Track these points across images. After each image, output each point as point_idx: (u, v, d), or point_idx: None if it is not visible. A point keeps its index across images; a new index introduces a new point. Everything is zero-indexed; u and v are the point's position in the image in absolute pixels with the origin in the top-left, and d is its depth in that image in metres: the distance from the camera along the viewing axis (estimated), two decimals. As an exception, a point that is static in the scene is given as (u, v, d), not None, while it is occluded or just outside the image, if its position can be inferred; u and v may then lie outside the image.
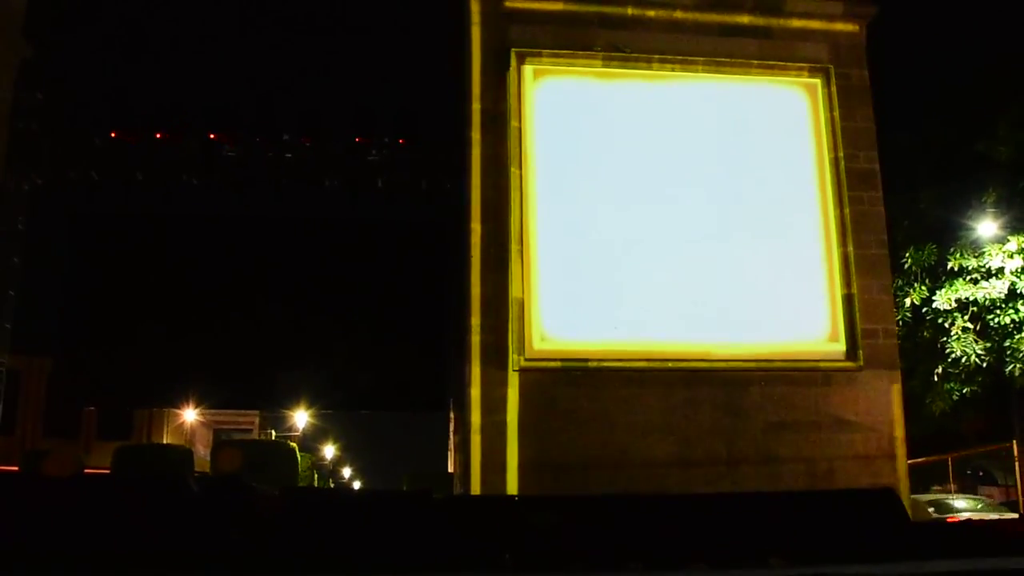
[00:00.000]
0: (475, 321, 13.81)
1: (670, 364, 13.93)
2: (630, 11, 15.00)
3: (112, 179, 21.55)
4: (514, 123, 14.29)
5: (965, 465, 24.88)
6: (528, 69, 14.60)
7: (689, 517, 8.32)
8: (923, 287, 21.87)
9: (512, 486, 13.14)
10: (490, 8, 14.78)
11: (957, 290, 21.13)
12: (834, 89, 15.24)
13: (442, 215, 18.89)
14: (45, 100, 22.45)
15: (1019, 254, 20.71)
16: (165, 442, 37.58)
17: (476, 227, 14.10)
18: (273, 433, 41.56)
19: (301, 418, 40.59)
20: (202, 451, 37.14)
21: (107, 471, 19.52)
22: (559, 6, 14.86)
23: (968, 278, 21.29)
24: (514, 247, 13.91)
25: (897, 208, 20.27)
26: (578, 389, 13.70)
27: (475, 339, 13.76)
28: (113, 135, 21.36)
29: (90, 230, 23.69)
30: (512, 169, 14.14)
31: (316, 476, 42.22)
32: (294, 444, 29.38)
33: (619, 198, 14.46)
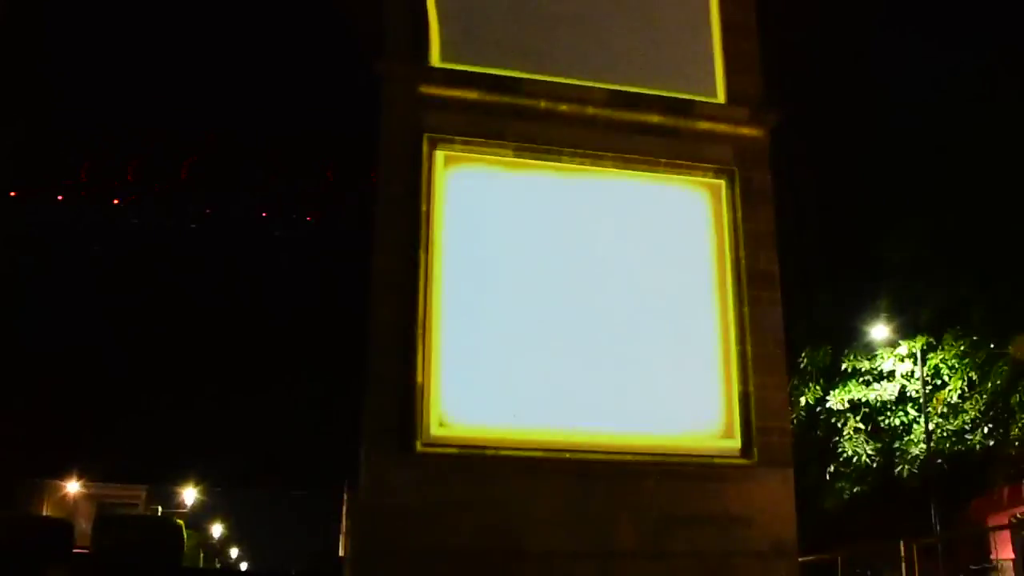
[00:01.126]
0: (373, 403, 13.63)
1: (567, 455, 13.89)
2: (543, 104, 15.24)
3: None
4: (423, 207, 14.32)
5: (855, 564, 25.21)
6: (440, 155, 14.68)
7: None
8: (817, 387, 22.42)
9: (406, 573, 12.87)
10: (404, 92, 14.88)
11: (850, 391, 21.72)
12: (737, 191, 15.64)
13: (344, 295, 18.81)
14: None
15: (909, 358, 21.40)
16: (45, 514, 36.01)
17: (379, 309, 14.01)
18: (160, 509, 40.19)
19: (190, 494, 39.38)
20: (84, 525, 35.68)
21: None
22: (473, 95, 15.02)
23: (861, 380, 21.90)
24: (417, 331, 13.82)
25: (794, 309, 20.81)
26: (475, 476, 13.55)
27: (372, 422, 13.57)
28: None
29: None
30: (420, 253, 14.13)
31: (203, 556, 40.82)
32: (181, 521, 28.45)
33: (523, 288, 14.53)
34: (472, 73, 15.14)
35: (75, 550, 16.30)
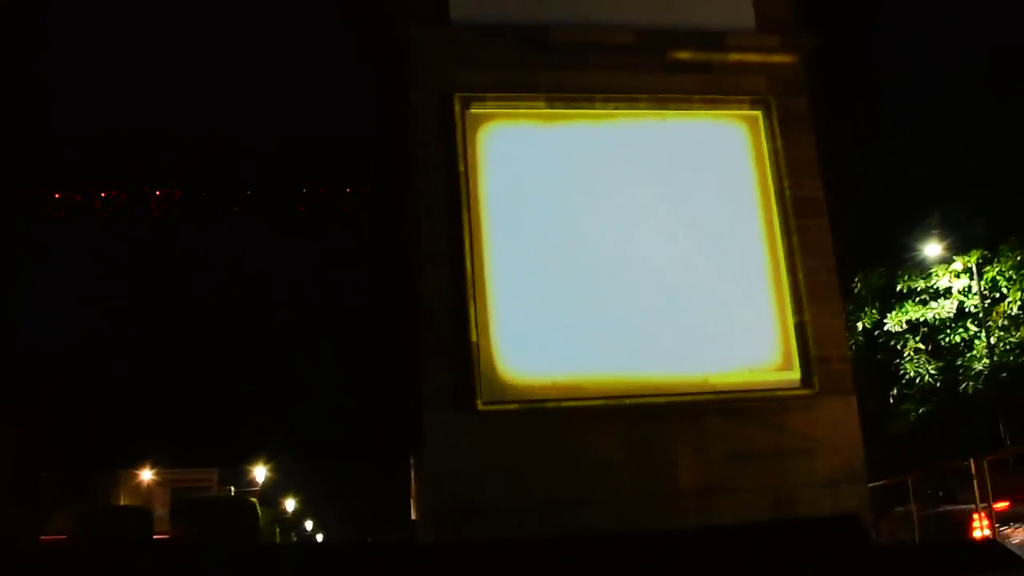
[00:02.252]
0: (430, 366, 13.72)
1: (628, 400, 13.91)
2: (573, 55, 15.06)
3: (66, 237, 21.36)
4: (460, 167, 14.30)
5: (926, 485, 25.05)
6: (472, 113, 14.63)
7: (655, 554, 8.29)
8: (874, 311, 22.16)
9: (476, 530, 13.01)
10: (431, 54, 14.82)
11: (907, 312, 21.47)
12: (775, 120, 15.41)
13: (394, 259, 18.89)
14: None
15: (965, 273, 21.09)
16: (123, 503, 36.90)
17: (428, 272, 14.05)
18: (233, 489, 40.98)
19: (260, 472, 40.06)
20: (160, 511, 36.51)
21: (64, 537, 19.10)
22: (501, 49, 14.91)
23: (917, 299, 21.63)
24: (468, 291, 13.86)
25: (845, 233, 20.55)
26: (538, 431, 13.62)
27: (432, 385, 13.66)
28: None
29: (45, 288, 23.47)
30: (462, 213, 14.13)
31: (278, 531, 41.60)
32: (254, 499, 28.98)
33: (569, 237, 14.49)
34: (497, 26, 15.01)
35: (154, 536, 16.66)
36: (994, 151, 22.86)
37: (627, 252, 14.61)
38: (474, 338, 13.70)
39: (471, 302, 13.83)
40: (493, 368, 13.77)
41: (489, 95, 14.76)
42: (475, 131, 14.61)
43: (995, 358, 20.77)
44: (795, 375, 14.51)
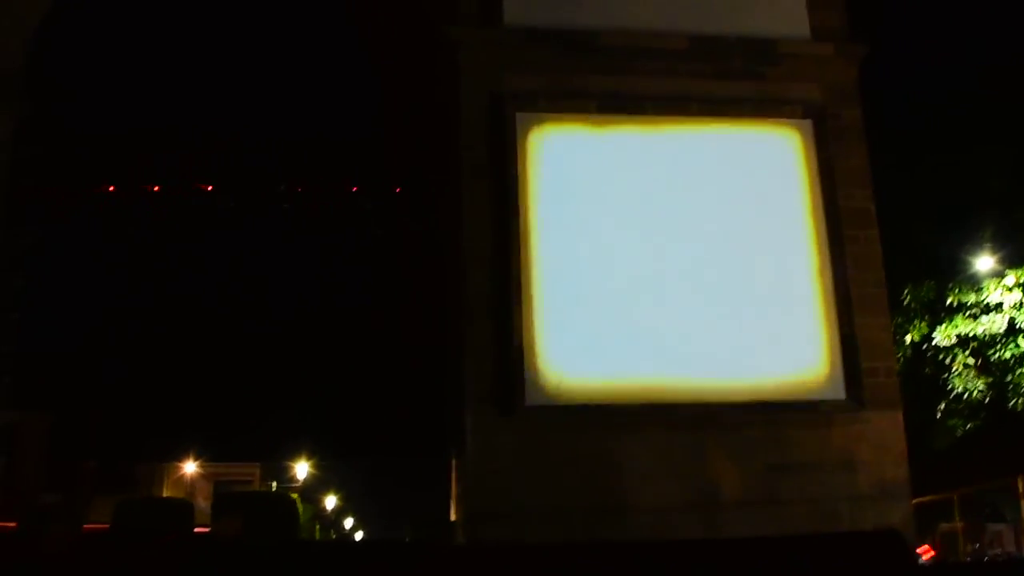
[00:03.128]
0: (474, 368, 13.75)
1: (672, 406, 13.85)
2: (622, 61, 15.04)
3: (114, 236, 21.67)
4: (510, 171, 14.31)
5: (971, 502, 24.70)
6: (522, 116, 14.63)
7: (695, 564, 8.23)
8: (923, 324, 21.82)
9: (516, 534, 13.00)
10: (481, 57, 14.85)
11: (957, 326, 21.09)
12: (827, 130, 15.29)
13: (441, 260, 18.97)
14: (45, 157, 22.56)
15: (1017, 288, 20.70)
16: (165, 495, 37.31)
17: (474, 275, 14.08)
18: (274, 484, 41.29)
19: (302, 469, 40.37)
20: (202, 504, 36.86)
21: (107, 526, 19.37)
22: (551, 53, 14.92)
23: (968, 314, 21.26)
24: (512, 294, 13.88)
25: (895, 245, 20.30)
26: (580, 434, 13.61)
27: (474, 386, 13.69)
28: (111, 189, 21.52)
29: (89, 285, 23.82)
30: (510, 218, 14.15)
31: (318, 528, 41.88)
32: (295, 495, 29.21)
33: (616, 243, 14.46)
34: (548, 30, 15.03)
35: (196, 529, 16.85)
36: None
37: (675, 257, 14.56)
38: (517, 340, 13.71)
39: (516, 305, 13.85)
40: (536, 371, 13.77)
41: (539, 99, 14.77)
42: (523, 135, 14.61)
43: (1046, 375, 20.41)
44: (842, 387, 14.36)
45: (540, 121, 14.77)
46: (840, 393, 14.34)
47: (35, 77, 18.70)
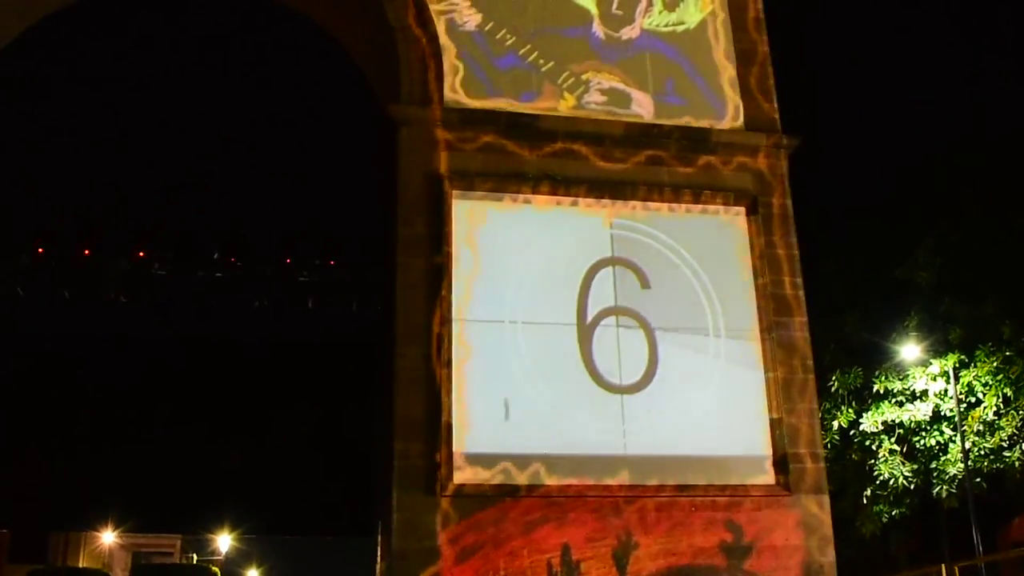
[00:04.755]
0: (401, 445, 13.60)
1: (600, 488, 13.81)
2: (559, 145, 15.32)
3: (37, 297, 21.22)
4: (445, 248, 14.36)
5: (897, 589, 24.81)
6: (458, 194, 14.74)
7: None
8: (850, 410, 22.17)
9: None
10: (420, 136, 14.97)
11: (883, 413, 21.46)
12: (759, 217, 15.61)
13: (371, 336, 18.88)
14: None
15: (942, 376, 21.14)
16: (81, 566, 36.09)
17: (403, 350, 14.00)
18: (195, 557, 40.15)
19: (224, 541, 39.35)
20: (120, 575, 35.69)
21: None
22: (490, 137, 15.12)
23: (894, 401, 21.64)
24: (442, 371, 13.82)
25: (823, 332, 20.63)
26: (507, 514, 13.48)
27: (401, 463, 13.53)
28: (40, 251, 21.12)
29: (10, 348, 23.24)
30: (442, 293, 14.16)
31: (239, 602, 40.69)
32: (216, 568, 28.42)
33: (550, 322, 14.52)
34: (488, 112, 15.25)
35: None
36: (972, 239, 23.19)
37: (607, 338, 14.64)
38: (446, 418, 13.63)
39: (447, 381, 13.79)
40: (464, 449, 13.67)
41: (475, 178, 14.90)
42: (459, 212, 14.70)
43: (970, 463, 20.77)
44: (770, 471, 14.46)
45: (476, 199, 14.87)
46: (769, 478, 14.42)
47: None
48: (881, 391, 21.59)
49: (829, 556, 14.27)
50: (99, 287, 20.79)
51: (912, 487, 21.54)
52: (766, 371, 14.99)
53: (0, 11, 17.16)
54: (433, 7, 15.79)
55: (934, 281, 23.24)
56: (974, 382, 21.14)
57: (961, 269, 22.97)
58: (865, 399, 22.18)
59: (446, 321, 14.09)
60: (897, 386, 21.53)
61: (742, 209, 15.74)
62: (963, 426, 21.01)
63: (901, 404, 21.47)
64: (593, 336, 14.63)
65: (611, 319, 14.78)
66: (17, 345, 23.18)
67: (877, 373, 21.76)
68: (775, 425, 14.67)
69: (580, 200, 15.21)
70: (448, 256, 14.38)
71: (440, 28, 15.71)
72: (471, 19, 15.88)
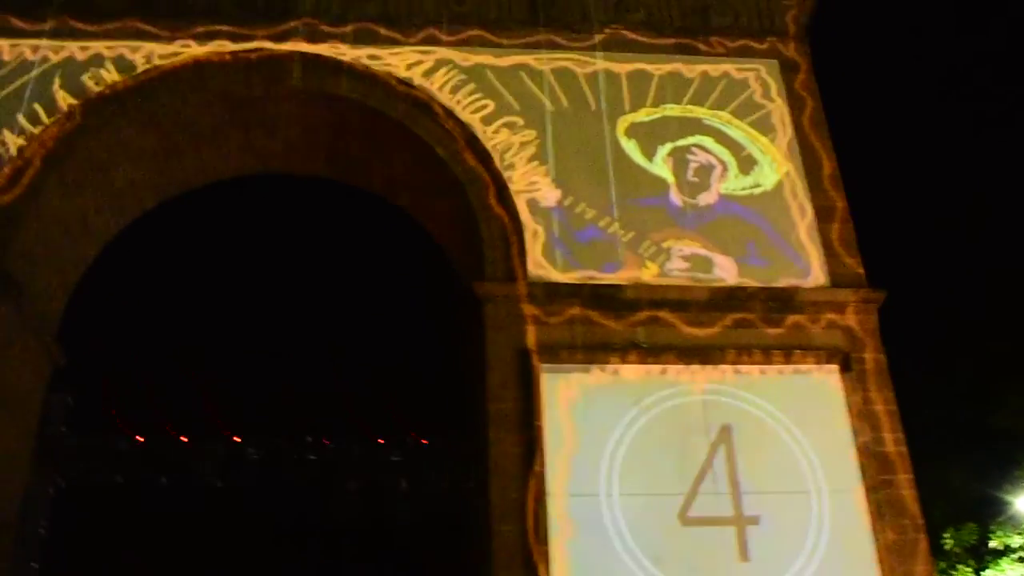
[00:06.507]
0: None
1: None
2: (645, 313, 15.39)
3: (136, 482, 21.64)
4: (536, 423, 14.35)
5: None
6: (546, 368, 14.80)
7: None
8: (968, 569, 21.18)
9: None
10: (506, 311, 15.19)
11: (1004, 571, 20.46)
12: (853, 374, 15.33)
13: (465, 514, 18.73)
14: (74, 404, 22.83)
15: (1064, 528, 20.19)
16: None
17: (499, 528, 13.84)
18: None
19: None
20: None
21: None
22: (576, 310, 15.27)
23: (1015, 556, 20.65)
24: (540, 547, 13.60)
25: (928, 486, 19.92)
26: None
27: None
28: (139, 439, 21.67)
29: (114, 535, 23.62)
30: (535, 468, 14.06)
31: None
32: None
33: (644, 494, 14.27)
34: (572, 285, 15.45)
35: None
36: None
37: (704, 507, 14.32)
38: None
39: (543, 560, 13.55)
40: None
41: (563, 351, 14.97)
42: (548, 385, 14.73)
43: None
44: (884, 638, 13.77)
45: (564, 371, 14.91)
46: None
47: (71, 328, 19.17)
48: (1000, 547, 20.62)
49: None
50: (196, 472, 21.21)
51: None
52: (875, 533, 14.42)
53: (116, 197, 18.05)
54: (512, 186, 16.30)
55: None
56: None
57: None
58: (983, 556, 21.17)
59: (541, 496, 13.94)
60: (1016, 541, 20.56)
61: (835, 367, 15.47)
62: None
63: (1023, 559, 20.46)
64: (692, 505, 14.32)
65: (708, 485, 14.48)
66: (118, 531, 23.59)
67: (993, 528, 20.82)
68: (890, 588, 14.02)
69: (669, 367, 15.14)
70: (539, 430, 14.33)
71: (520, 205, 16.16)
72: (550, 195, 16.32)
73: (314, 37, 17.64)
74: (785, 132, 17.53)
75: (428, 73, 17.41)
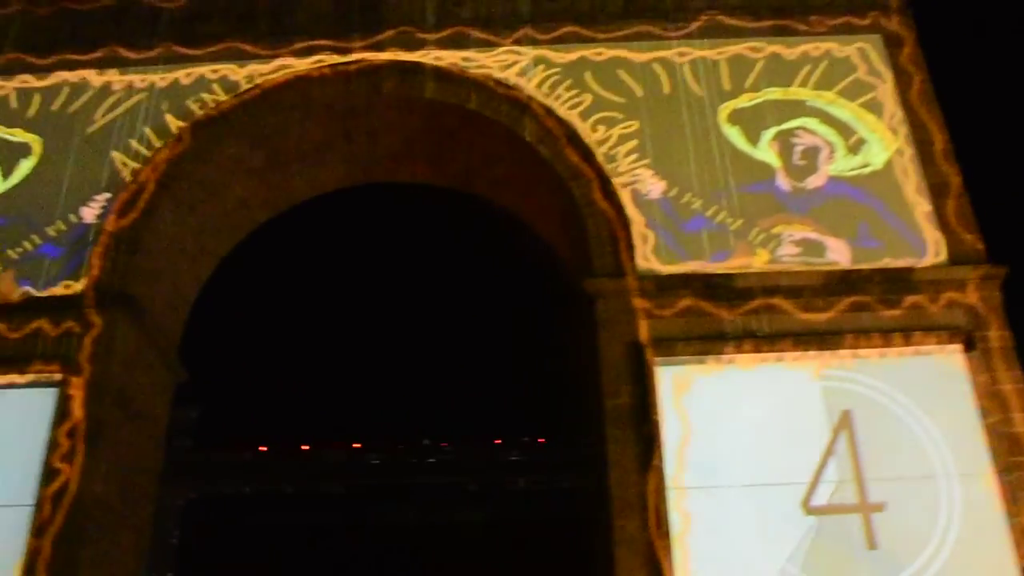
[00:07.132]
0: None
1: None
2: (758, 301, 15.19)
3: (262, 492, 22.18)
4: (653, 417, 14.29)
5: None
6: (660, 361, 14.73)
7: None
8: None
9: None
10: (617, 307, 15.16)
11: None
12: (977, 353, 14.86)
13: (586, 511, 18.73)
14: (199, 417, 23.53)
15: None
16: None
17: (620, 523, 13.82)
18: None
19: None
20: None
21: None
22: (687, 302, 15.15)
23: None
24: (662, 541, 13.54)
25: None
26: None
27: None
28: (262, 449, 22.23)
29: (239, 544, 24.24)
30: (654, 462, 14.00)
31: None
32: None
33: (765, 484, 14.08)
34: (682, 276, 15.36)
35: None
36: None
37: (827, 495, 14.06)
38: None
39: (665, 553, 13.49)
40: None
41: (677, 343, 14.88)
42: (663, 379, 14.65)
43: None
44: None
45: (679, 364, 14.81)
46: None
47: (191, 344, 19.74)
48: None
49: None
50: (318, 479, 21.69)
51: None
52: (1009, 516, 13.96)
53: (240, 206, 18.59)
54: (616, 180, 16.25)
55: None
56: None
57: None
58: None
59: (660, 491, 13.87)
60: None
61: (958, 347, 15.01)
62: None
63: None
64: (815, 494, 14.08)
65: (831, 473, 14.22)
66: (246, 539, 24.18)
67: None
68: (1030, 571, 13.56)
69: (785, 355, 14.90)
70: (656, 425, 14.26)
71: (625, 199, 16.10)
72: (655, 187, 16.23)
73: (409, 45, 17.90)
74: (893, 109, 17.09)
75: (524, 72, 17.51)
